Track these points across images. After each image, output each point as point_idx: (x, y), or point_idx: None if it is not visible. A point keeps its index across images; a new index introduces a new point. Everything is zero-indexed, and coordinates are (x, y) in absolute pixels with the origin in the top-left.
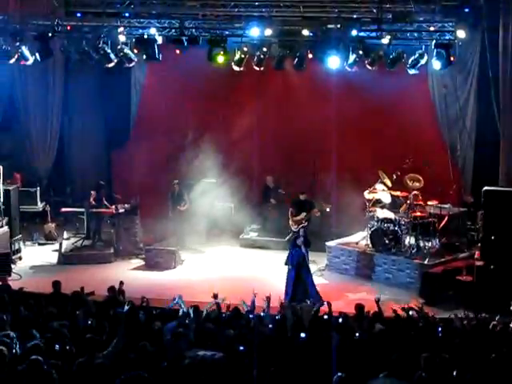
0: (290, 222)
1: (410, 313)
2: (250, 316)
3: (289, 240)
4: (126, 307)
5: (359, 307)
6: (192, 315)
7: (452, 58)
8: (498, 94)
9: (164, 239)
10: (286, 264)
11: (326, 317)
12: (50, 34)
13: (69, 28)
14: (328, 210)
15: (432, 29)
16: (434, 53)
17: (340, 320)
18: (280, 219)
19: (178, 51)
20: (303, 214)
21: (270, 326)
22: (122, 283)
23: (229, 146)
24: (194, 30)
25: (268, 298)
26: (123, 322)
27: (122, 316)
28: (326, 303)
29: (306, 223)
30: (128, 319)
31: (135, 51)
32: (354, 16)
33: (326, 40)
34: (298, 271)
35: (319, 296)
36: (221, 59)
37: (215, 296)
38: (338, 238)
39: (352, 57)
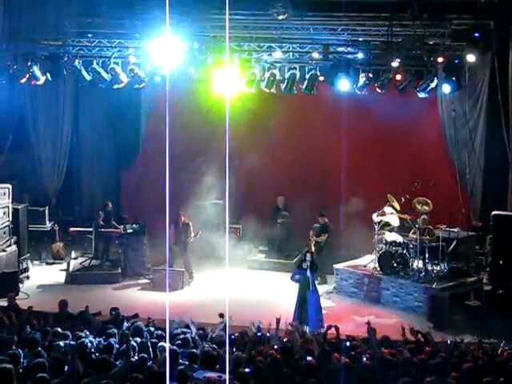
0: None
1: (416, 335)
2: (258, 335)
3: (296, 262)
4: (127, 324)
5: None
6: (199, 336)
7: (462, 82)
8: (508, 117)
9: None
10: (291, 279)
11: (333, 340)
12: (61, 55)
13: (80, 48)
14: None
15: (442, 53)
16: (444, 77)
17: (348, 343)
18: (288, 241)
19: (193, 70)
20: (314, 237)
21: (276, 347)
22: (136, 316)
23: (237, 166)
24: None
25: (278, 320)
26: (128, 342)
27: (127, 336)
28: (333, 327)
29: (319, 247)
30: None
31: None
32: (364, 39)
33: (336, 63)
34: (303, 294)
35: (319, 324)
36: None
37: (221, 315)
38: (347, 261)
39: (361, 80)
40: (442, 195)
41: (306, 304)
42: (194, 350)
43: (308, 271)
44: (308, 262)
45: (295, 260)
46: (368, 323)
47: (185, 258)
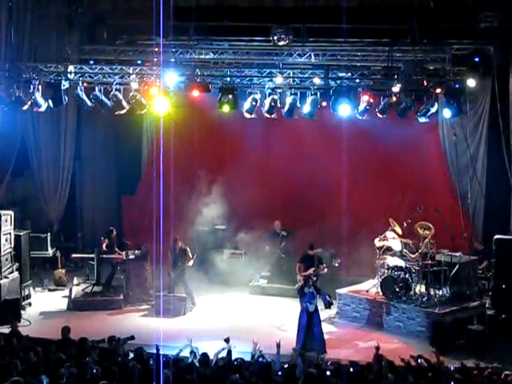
0: (298, 277)
1: (419, 361)
2: (260, 360)
3: (298, 288)
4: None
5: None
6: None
7: (462, 107)
8: (509, 141)
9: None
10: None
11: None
12: (62, 81)
13: (81, 75)
14: (337, 265)
15: (442, 78)
16: (445, 101)
17: (351, 369)
18: (289, 266)
19: (197, 93)
20: (311, 270)
21: (280, 373)
22: (132, 338)
23: (239, 192)
24: (205, 78)
25: (278, 345)
26: (136, 371)
27: (135, 365)
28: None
29: (316, 278)
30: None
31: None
32: (365, 64)
33: (337, 88)
34: (309, 319)
35: (324, 347)
36: (226, 108)
37: (227, 340)
38: (349, 286)
39: (362, 105)
40: (444, 219)
41: (312, 328)
42: (194, 377)
43: (308, 296)
44: (311, 287)
45: (297, 286)
46: (377, 348)
47: (184, 284)
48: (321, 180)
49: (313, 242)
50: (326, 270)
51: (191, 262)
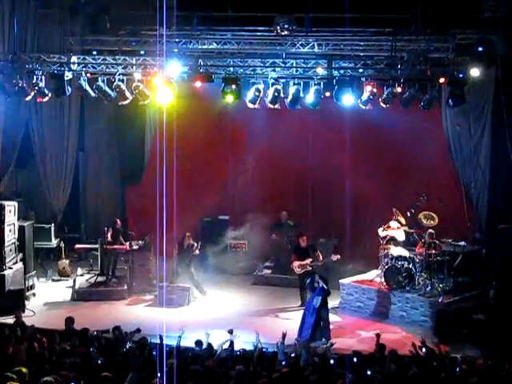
0: (295, 269)
1: (424, 350)
2: (263, 350)
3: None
4: (132, 345)
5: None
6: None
7: (466, 97)
8: None
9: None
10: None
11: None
12: (66, 72)
13: (84, 66)
14: (335, 259)
15: (446, 67)
16: (448, 91)
17: (354, 359)
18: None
19: (200, 83)
20: (309, 260)
21: (284, 363)
22: (138, 331)
23: (243, 182)
24: (208, 68)
25: (284, 335)
26: (135, 358)
27: (134, 353)
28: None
29: (311, 268)
30: (140, 356)
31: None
32: (368, 54)
33: (340, 78)
34: (318, 313)
35: (329, 335)
36: (230, 98)
37: (230, 331)
38: (352, 276)
39: (365, 95)
40: (448, 209)
41: (320, 320)
42: (198, 367)
43: (321, 289)
44: (320, 281)
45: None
46: (378, 335)
47: (190, 276)
48: (325, 170)
49: (302, 231)
50: (321, 258)
51: (197, 251)
